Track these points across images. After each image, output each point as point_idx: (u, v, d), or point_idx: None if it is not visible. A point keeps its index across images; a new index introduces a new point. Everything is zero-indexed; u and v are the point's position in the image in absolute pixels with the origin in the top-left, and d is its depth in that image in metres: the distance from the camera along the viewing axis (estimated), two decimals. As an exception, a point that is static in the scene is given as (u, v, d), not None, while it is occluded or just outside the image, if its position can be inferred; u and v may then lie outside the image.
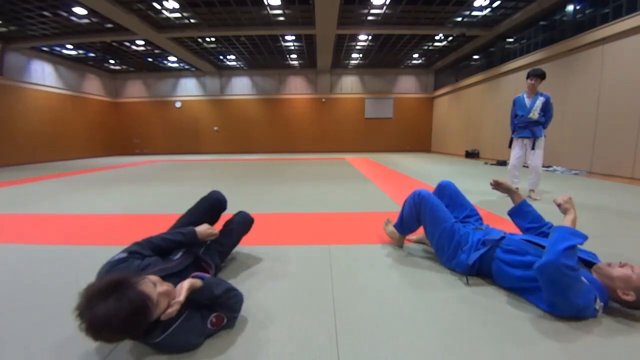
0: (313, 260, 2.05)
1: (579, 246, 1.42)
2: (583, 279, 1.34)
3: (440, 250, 1.90)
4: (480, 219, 2.04)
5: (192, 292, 1.20)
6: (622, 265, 1.40)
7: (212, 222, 1.85)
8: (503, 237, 1.68)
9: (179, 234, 1.57)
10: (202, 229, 1.66)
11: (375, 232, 2.57)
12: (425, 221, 1.95)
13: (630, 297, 1.32)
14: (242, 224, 1.99)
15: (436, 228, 1.88)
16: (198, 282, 1.24)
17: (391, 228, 2.32)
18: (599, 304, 1.34)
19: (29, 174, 7.47)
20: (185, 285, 1.19)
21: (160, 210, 3.59)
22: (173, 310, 1.12)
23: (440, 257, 1.93)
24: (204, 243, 1.70)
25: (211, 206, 1.94)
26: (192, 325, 1.18)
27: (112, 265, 1.29)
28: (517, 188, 4.15)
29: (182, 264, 1.46)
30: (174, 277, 1.32)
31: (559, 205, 1.71)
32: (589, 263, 1.51)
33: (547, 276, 1.33)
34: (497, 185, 2.01)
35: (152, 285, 1.09)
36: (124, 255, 1.35)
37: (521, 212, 1.89)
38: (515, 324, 1.33)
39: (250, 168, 8.37)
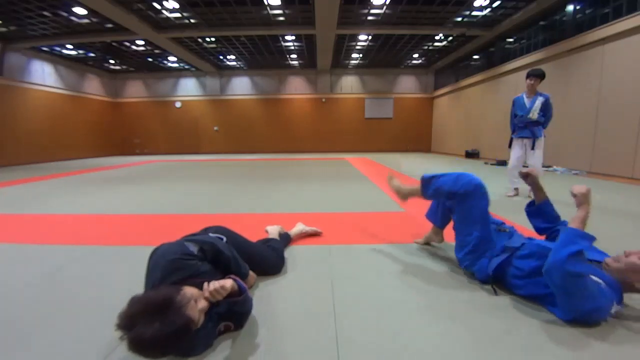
0: (313, 260, 2.05)
1: (595, 245, 1.34)
2: (600, 282, 1.29)
3: (467, 249, 1.73)
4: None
5: (229, 300, 1.21)
6: (627, 255, 1.34)
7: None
8: (523, 244, 1.58)
9: (242, 271, 1.54)
10: (252, 280, 1.68)
11: (376, 232, 2.57)
12: (463, 213, 1.76)
13: None
14: (264, 260, 1.84)
15: (474, 229, 1.70)
16: (236, 287, 1.24)
17: (398, 184, 2.17)
18: (614, 308, 1.28)
19: (30, 174, 7.47)
20: (228, 285, 1.19)
21: (162, 210, 3.59)
22: (204, 306, 1.14)
23: (462, 255, 1.77)
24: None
25: (263, 271, 1.82)
26: (205, 334, 1.17)
27: (180, 256, 1.29)
28: (516, 189, 4.22)
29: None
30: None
31: (574, 196, 1.54)
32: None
33: (553, 280, 1.28)
34: (525, 177, 1.86)
35: (195, 303, 1.10)
36: (195, 250, 1.35)
37: (540, 213, 1.83)
38: (523, 329, 1.32)
39: (250, 168, 8.37)
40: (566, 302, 1.30)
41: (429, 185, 1.92)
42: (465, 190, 1.73)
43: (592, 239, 1.34)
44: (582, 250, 1.27)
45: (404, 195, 2.14)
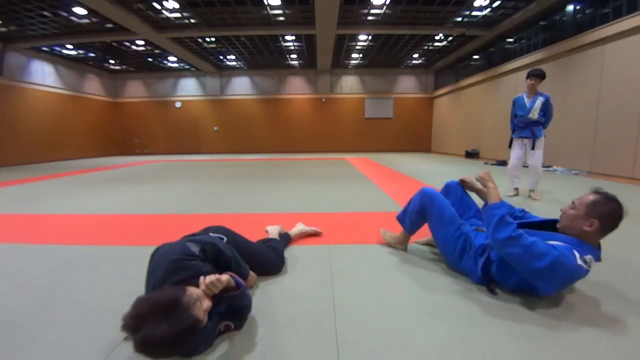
0: (313, 260, 2.05)
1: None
2: (557, 243, 1.39)
3: (445, 252, 1.86)
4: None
5: (225, 295, 1.22)
6: (565, 212, 1.49)
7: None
8: None
9: (242, 271, 1.53)
10: (252, 280, 1.67)
11: (376, 232, 2.56)
12: (430, 221, 1.91)
13: (595, 224, 1.38)
14: (264, 261, 1.84)
15: (442, 229, 1.83)
16: (232, 282, 1.24)
17: (390, 234, 2.31)
18: (580, 259, 1.34)
19: (30, 174, 7.47)
20: (224, 278, 1.20)
21: (162, 210, 3.59)
22: (207, 307, 1.15)
23: (446, 259, 1.90)
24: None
25: (263, 271, 1.81)
26: (206, 334, 1.18)
27: (181, 257, 1.29)
28: (516, 188, 4.22)
29: None
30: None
31: (478, 180, 1.80)
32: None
33: (504, 255, 1.42)
34: (462, 183, 2.07)
35: (200, 304, 1.11)
36: (196, 251, 1.35)
37: None
38: (522, 324, 1.33)
39: (250, 168, 8.37)
40: (529, 271, 1.36)
41: (404, 222, 2.13)
42: (420, 206, 1.94)
43: (503, 205, 1.53)
44: (502, 216, 1.44)
45: (400, 243, 2.23)
